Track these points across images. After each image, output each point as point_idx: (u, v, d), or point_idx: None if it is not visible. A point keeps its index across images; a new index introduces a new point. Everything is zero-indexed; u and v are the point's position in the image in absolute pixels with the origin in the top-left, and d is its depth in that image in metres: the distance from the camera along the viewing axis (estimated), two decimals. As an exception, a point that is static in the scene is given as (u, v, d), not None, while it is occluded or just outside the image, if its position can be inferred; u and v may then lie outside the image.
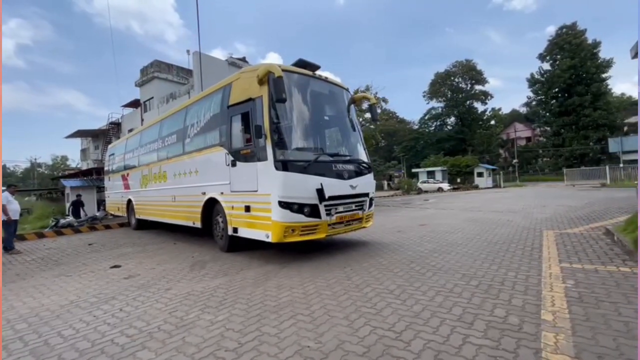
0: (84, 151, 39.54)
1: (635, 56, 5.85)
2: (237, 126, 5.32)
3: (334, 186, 4.92)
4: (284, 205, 4.53)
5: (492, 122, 52.35)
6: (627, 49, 6.33)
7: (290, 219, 4.56)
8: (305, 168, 4.70)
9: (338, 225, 5.10)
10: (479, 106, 51.96)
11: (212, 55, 26.63)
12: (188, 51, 25.63)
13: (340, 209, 5.10)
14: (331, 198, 4.87)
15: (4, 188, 7.68)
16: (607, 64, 39.64)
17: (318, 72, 5.74)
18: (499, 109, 54.68)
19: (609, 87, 41.24)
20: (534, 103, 47.72)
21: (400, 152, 49.21)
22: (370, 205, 5.75)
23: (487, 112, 52.32)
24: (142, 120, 26.14)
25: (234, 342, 2.45)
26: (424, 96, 54.56)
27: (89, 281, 4.46)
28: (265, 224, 4.71)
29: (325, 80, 5.76)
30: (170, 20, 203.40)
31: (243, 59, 25.98)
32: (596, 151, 38.51)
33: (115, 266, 5.25)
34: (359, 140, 6.04)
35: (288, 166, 4.61)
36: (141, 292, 3.84)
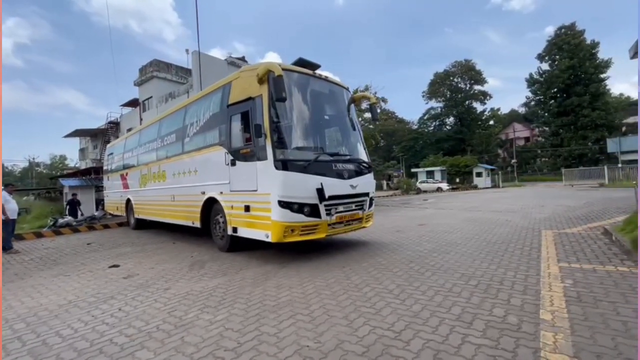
0: (82, 150, 39.47)
1: (633, 56, 5.87)
2: (236, 125, 5.31)
3: (334, 186, 4.91)
4: (283, 205, 4.52)
5: (491, 122, 52.51)
6: (626, 50, 6.36)
7: (290, 219, 4.55)
8: (305, 167, 4.69)
9: (338, 225, 5.09)
10: (478, 106, 52.19)
11: (211, 54, 26.57)
12: (187, 50, 25.64)
13: (341, 208, 5.09)
14: (331, 198, 4.86)
15: (2, 187, 7.65)
16: (606, 65, 39.80)
17: (318, 72, 5.73)
18: (498, 109, 54.93)
19: (608, 87, 41.46)
20: (532, 103, 47.86)
21: (399, 152, 49.27)
22: (371, 205, 5.75)
23: (486, 112, 52.52)
24: (141, 119, 26.09)
25: (233, 342, 2.45)
26: (423, 96, 54.78)
27: (88, 281, 4.45)
28: (265, 224, 4.70)
29: (326, 79, 5.75)
30: (169, 19, 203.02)
31: (242, 59, 25.98)
32: (594, 151, 38.63)
33: (114, 266, 5.24)
34: (359, 140, 6.03)
35: (288, 166, 4.60)
36: (140, 291, 3.83)
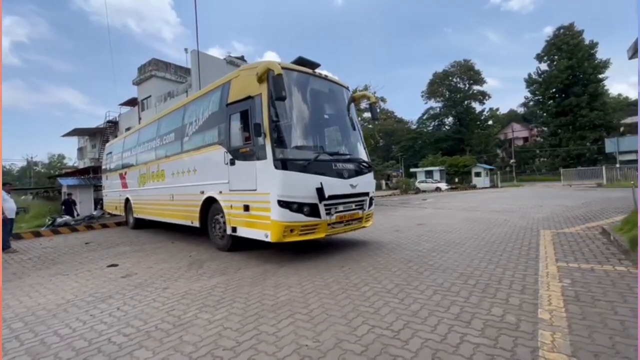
0: (81, 150, 39.35)
1: (632, 56, 5.88)
2: (236, 124, 5.29)
3: (334, 185, 4.90)
4: (283, 204, 4.50)
5: (490, 122, 52.61)
6: (624, 50, 6.37)
7: (290, 219, 4.53)
8: (305, 167, 4.67)
9: (338, 224, 5.08)
10: (476, 106, 52.30)
11: (210, 54, 26.53)
12: (186, 50, 25.60)
13: (340, 208, 5.08)
14: (331, 197, 4.85)
15: (0, 187, 7.61)
16: (604, 65, 39.90)
17: (318, 70, 5.72)
18: (497, 109, 55.04)
19: (606, 87, 41.57)
20: (531, 103, 47.97)
21: (398, 152, 49.36)
22: (370, 204, 5.74)
23: (485, 112, 52.63)
24: (140, 118, 26.05)
25: (231, 341, 2.45)
26: (422, 96, 54.85)
27: (86, 280, 4.43)
28: (265, 224, 4.69)
29: (325, 78, 5.73)
30: (168, 19, 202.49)
31: (241, 58, 25.93)
32: (593, 151, 38.74)
33: (113, 265, 5.23)
34: (359, 139, 6.02)
35: (287, 165, 4.58)
36: (138, 291, 3.82)
